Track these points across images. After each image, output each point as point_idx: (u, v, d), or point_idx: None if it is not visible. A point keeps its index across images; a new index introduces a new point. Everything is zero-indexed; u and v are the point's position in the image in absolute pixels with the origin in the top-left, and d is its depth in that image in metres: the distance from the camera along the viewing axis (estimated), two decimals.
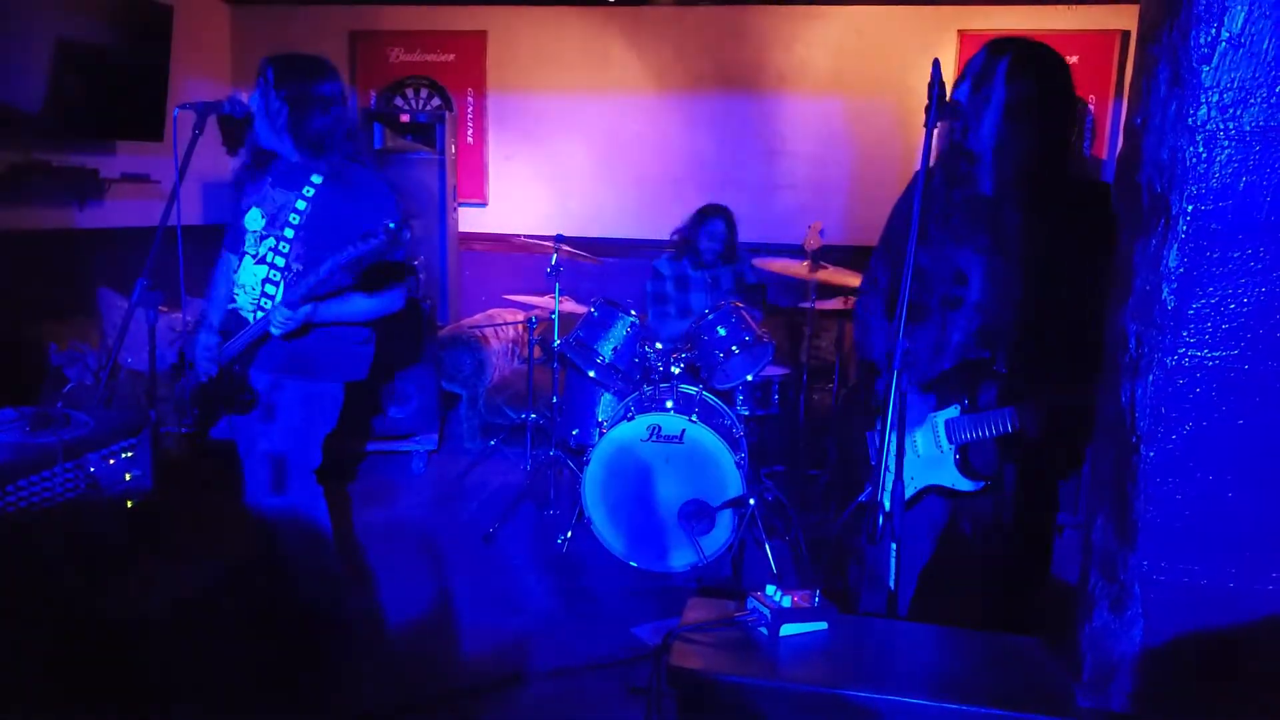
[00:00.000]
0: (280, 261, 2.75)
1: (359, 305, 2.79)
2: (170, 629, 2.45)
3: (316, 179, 2.77)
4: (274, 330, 2.66)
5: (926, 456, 2.37)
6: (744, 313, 4.01)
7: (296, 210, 2.75)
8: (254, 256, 2.81)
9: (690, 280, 4.88)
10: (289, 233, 2.75)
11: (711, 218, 4.83)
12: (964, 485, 2.30)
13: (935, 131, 2.04)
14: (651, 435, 3.77)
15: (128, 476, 2.53)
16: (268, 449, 2.83)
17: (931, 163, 2.09)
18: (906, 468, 2.24)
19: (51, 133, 4.72)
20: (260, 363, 2.81)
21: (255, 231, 2.82)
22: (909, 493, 2.37)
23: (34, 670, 2.20)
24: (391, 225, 2.46)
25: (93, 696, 2.28)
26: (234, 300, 2.87)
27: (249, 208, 2.84)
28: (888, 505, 1.96)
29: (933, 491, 2.39)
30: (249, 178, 2.89)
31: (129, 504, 2.54)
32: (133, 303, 2.68)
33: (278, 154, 2.85)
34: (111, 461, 2.47)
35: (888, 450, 1.98)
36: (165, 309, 2.83)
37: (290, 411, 2.83)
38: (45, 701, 2.20)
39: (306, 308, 2.63)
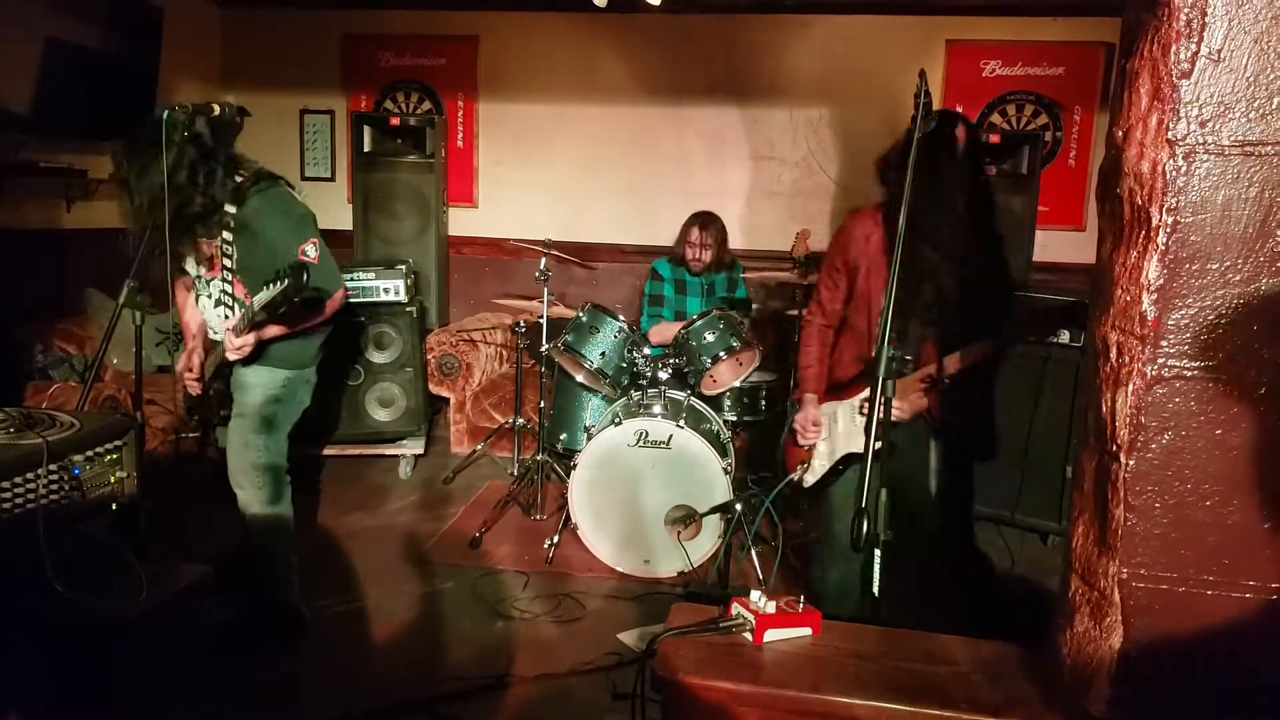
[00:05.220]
0: (230, 300, 2.98)
1: (308, 319, 3.02)
2: (154, 630, 2.45)
3: (230, 219, 2.89)
4: (230, 358, 2.92)
5: (845, 430, 2.77)
6: (732, 319, 4.03)
7: (227, 243, 2.92)
8: (210, 298, 3.04)
9: (686, 284, 4.90)
10: (228, 271, 2.95)
11: (696, 223, 4.85)
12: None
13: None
14: (639, 440, 3.78)
15: (113, 478, 2.52)
16: (239, 434, 3.07)
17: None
18: (829, 440, 2.82)
19: (41, 132, 4.71)
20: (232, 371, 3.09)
21: (200, 277, 3.05)
22: (830, 462, 2.81)
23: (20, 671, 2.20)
24: (292, 265, 2.62)
25: (78, 697, 2.28)
26: (213, 331, 3.12)
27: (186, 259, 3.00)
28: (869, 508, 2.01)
29: (851, 460, 2.79)
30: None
31: (114, 506, 2.53)
32: (120, 304, 2.70)
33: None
34: (97, 463, 2.47)
35: (870, 458, 2.02)
36: (153, 310, 2.85)
37: (255, 394, 3.06)
38: (32, 702, 2.20)
39: (251, 336, 2.87)
